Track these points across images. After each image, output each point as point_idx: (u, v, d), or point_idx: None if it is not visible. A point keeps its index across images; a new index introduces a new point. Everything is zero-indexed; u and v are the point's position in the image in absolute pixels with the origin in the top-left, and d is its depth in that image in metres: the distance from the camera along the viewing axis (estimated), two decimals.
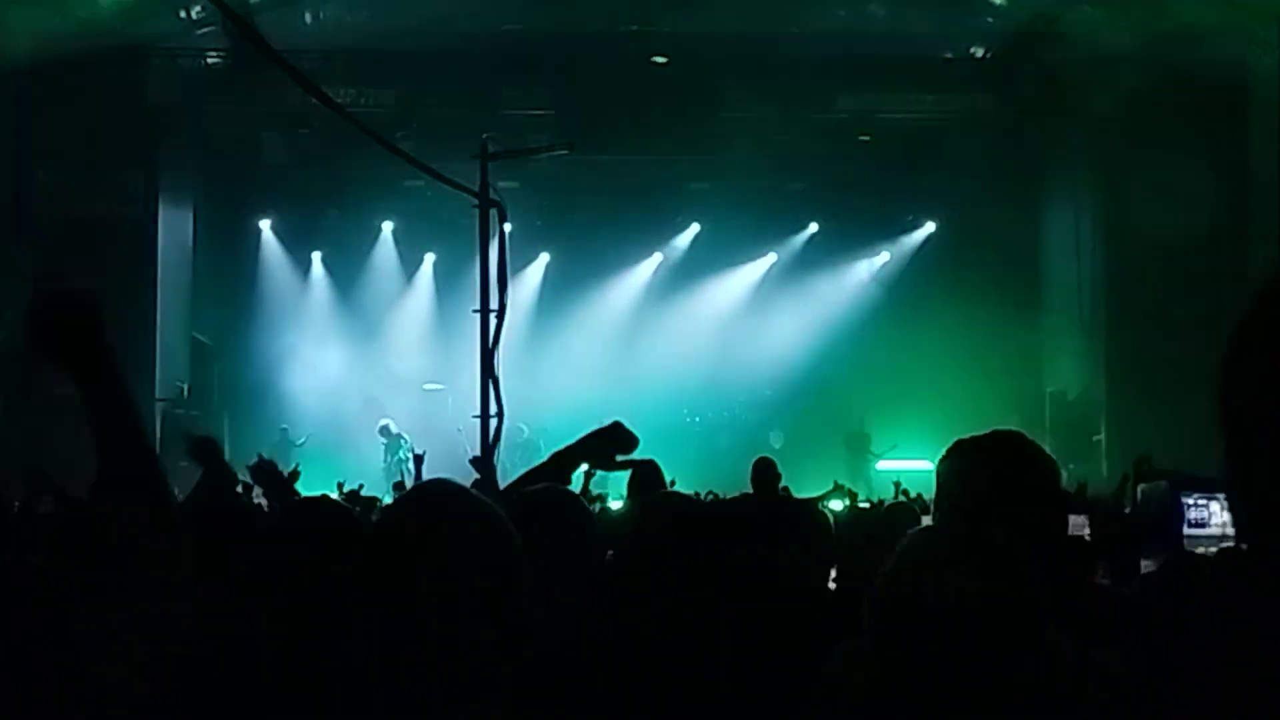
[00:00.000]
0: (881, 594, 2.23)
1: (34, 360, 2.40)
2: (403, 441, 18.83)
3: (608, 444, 4.09)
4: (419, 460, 10.86)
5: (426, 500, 2.11)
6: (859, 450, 19.74)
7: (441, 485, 2.16)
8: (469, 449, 9.41)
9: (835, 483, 13.42)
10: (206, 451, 5.90)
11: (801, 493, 13.05)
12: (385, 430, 19.51)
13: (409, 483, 12.29)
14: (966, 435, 2.92)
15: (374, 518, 5.15)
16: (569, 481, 4.01)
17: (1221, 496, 8.31)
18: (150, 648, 2.32)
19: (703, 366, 20.79)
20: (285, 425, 19.17)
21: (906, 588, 2.20)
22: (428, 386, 20.17)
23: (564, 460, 3.99)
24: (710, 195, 20.56)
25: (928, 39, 18.91)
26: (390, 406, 19.89)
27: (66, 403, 2.59)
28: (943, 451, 2.93)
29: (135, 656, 2.29)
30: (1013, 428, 2.96)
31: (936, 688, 2.15)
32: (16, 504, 6.83)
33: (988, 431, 2.91)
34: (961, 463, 2.89)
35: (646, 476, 7.10)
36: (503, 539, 2.04)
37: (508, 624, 2.00)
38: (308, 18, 18.10)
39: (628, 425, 4.12)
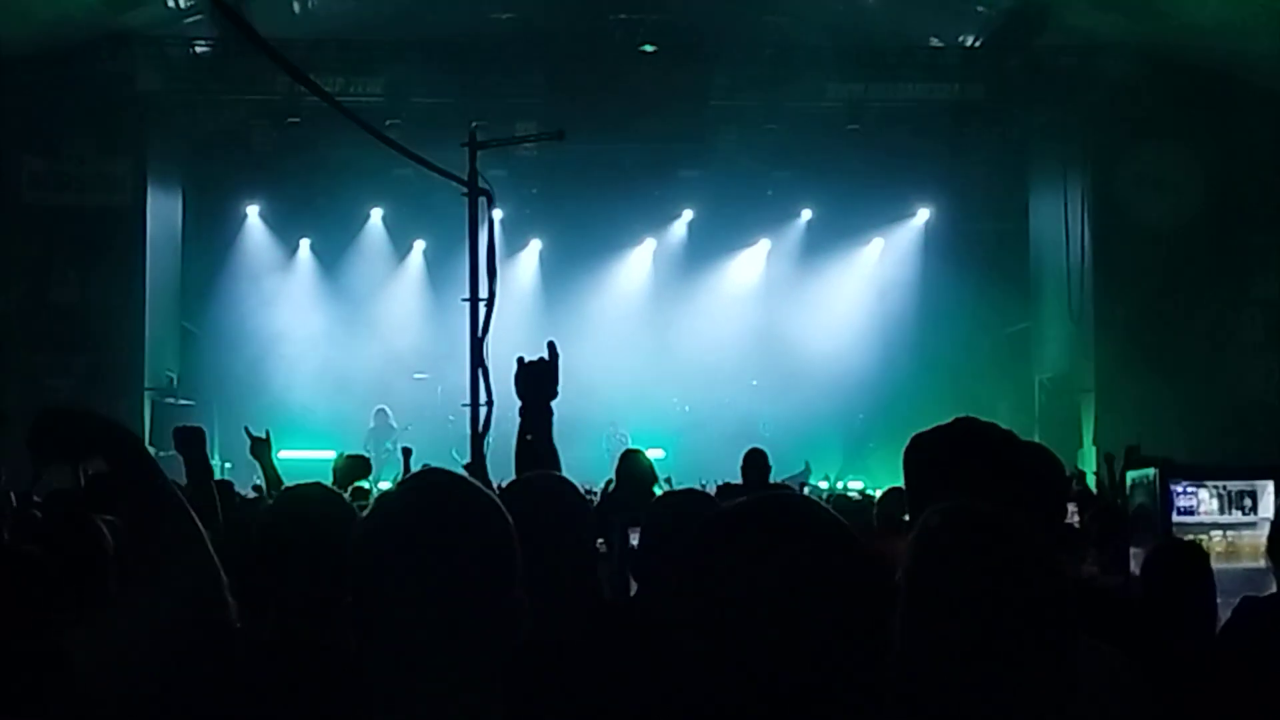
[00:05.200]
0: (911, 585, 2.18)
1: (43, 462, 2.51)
2: (394, 431, 18.81)
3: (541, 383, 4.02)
4: (407, 453, 10.84)
5: (422, 488, 2.11)
6: (858, 443, 19.85)
7: (437, 474, 2.16)
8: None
9: (806, 463, 13.42)
10: (190, 442, 5.90)
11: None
12: (381, 414, 19.45)
13: (399, 473, 12.26)
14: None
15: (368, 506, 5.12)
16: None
17: (1210, 484, 8.34)
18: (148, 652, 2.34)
19: (693, 354, 20.79)
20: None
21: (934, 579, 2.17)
22: (416, 376, 20.15)
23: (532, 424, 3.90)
24: (701, 183, 20.53)
25: (918, 27, 18.90)
26: (383, 395, 19.84)
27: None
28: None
29: (129, 661, 2.30)
30: (1002, 415, 2.97)
31: (966, 680, 2.12)
32: (16, 495, 6.83)
33: (948, 421, 2.93)
34: (921, 453, 2.91)
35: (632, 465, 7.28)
36: (498, 526, 2.04)
37: (503, 612, 2.00)
38: (296, 6, 18.03)
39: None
